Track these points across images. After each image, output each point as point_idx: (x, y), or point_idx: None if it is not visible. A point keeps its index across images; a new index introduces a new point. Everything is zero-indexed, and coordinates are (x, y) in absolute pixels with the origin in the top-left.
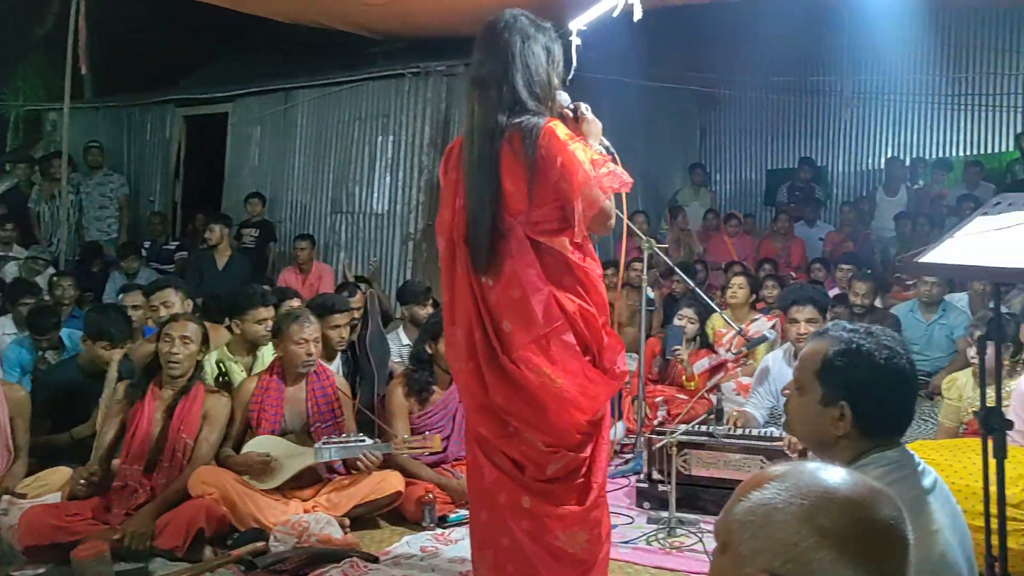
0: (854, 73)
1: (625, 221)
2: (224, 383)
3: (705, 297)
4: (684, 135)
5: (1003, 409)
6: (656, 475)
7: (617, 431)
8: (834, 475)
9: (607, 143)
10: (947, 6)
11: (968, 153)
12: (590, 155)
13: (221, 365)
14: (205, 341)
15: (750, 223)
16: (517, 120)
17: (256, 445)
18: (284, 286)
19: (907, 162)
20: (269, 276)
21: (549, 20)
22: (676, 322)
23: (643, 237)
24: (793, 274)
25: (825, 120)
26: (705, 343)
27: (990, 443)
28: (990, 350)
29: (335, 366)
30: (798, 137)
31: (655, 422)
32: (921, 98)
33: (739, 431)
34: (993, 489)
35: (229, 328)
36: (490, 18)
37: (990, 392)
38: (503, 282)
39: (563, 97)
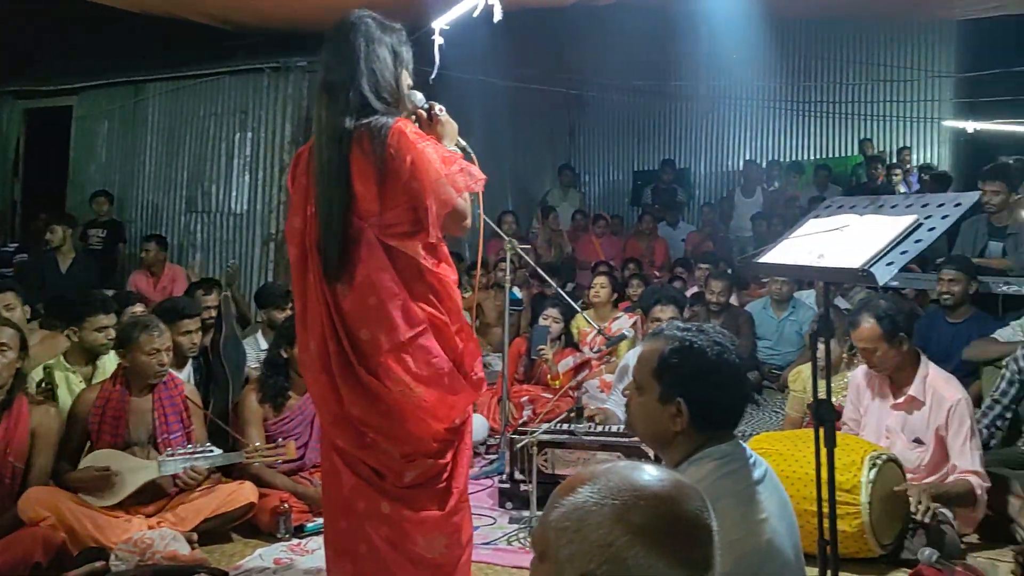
0: (711, 79)
1: (482, 220)
2: (48, 391)
3: (567, 297)
4: (553, 136)
5: (842, 400)
6: (518, 475)
7: (481, 431)
8: (643, 473)
9: (464, 144)
10: (788, 15)
11: (818, 157)
12: (441, 153)
13: (48, 373)
14: (24, 347)
15: (617, 223)
16: (365, 121)
17: (94, 459)
18: (133, 290)
19: (763, 165)
20: (119, 279)
21: (410, 19)
22: (541, 322)
23: (505, 237)
24: (657, 273)
25: (687, 124)
26: (570, 342)
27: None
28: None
29: (186, 373)
30: (662, 140)
31: (520, 422)
32: (775, 104)
33: (599, 428)
34: (825, 475)
35: (68, 336)
36: (338, 19)
37: (833, 385)
38: (357, 289)
39: (417, 97)
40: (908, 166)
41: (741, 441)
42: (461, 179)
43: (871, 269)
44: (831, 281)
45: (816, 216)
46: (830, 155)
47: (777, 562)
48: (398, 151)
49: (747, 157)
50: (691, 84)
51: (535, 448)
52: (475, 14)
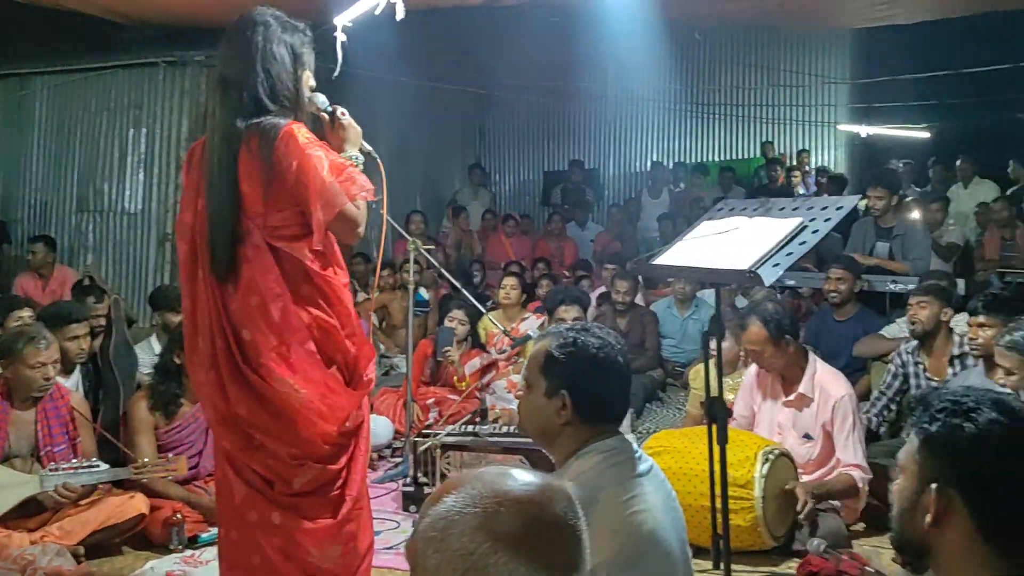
0: (617, 82)
1: (385, 220)
2: None
3: (471, 298)
4: (464, 135)
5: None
6: (422, 478)
7: (385, 434)
8: (509, 479)
9: (369, 148)
10: (685, 20)
11: (722, 159)
12: (332, 160)
13: None
14: None
15: (527, 223)
16: (256, 121)
17: None
18: (20, 293)
19: (670, 167)
20: (3, 282)
21: (312, 15)
22: (446, 324)
23: (408, 238)
24: (567, 273)
25: (596, 125)
26: (477, 343)
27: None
28: (727, 343)
29: (73, 380)
30: (572, 140)
31: (426, 424)
32: (680, 107)
33: (504, 430)
34: (718, 471)
35: None
36: (240, 14)
37: (732, 383)
38: (242, 289)
39: (320, 100)
40: (807, 168)
41: (626, 437)
42: (349, 187)
43: (758, 271)
44: (722, 282)
45: (709, 218)
46: (734, 157)
47: (658, 552)
48: (285, 154)
49: (654, 159)
50: (599, 86)
51: (438, 451)
52: (377, 11)
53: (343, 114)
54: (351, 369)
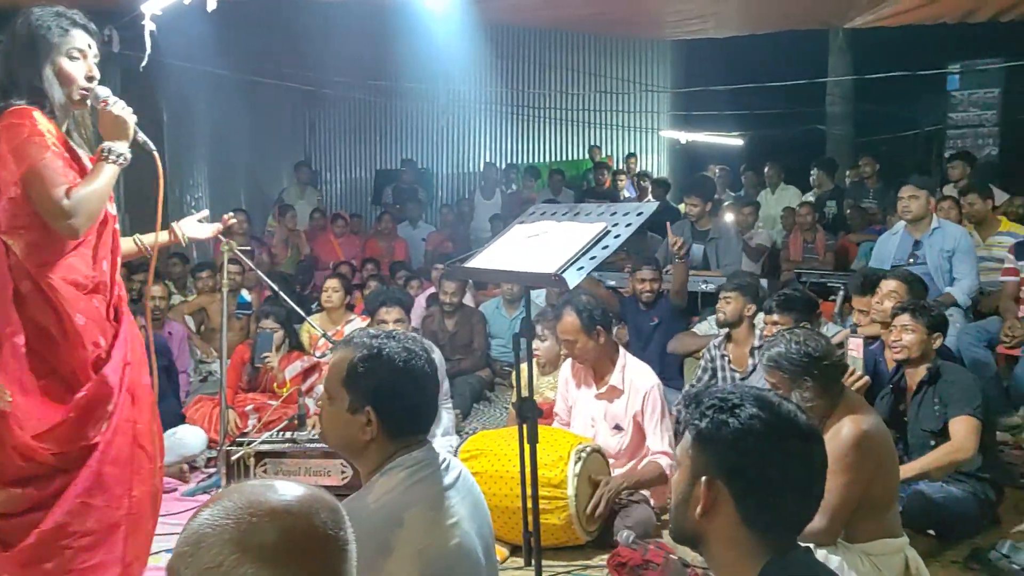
0: (448, 83)
1: (159, 219)
2: None
3: (289, 301)
4: (292, 132)
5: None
6: None
7: (198, 444)
8: (267, 491)
9: (143, 139)
10: (502, 22)
11: (553, 161)
12: (51, 147)
13: None
14: None
15: (357, 223)
16: None
17: None
18: None
19: (502, 168)
20: None
21: (119, 3)
22: (262, 327)
23: (222, 239)
24: (398, 273)
25: (428, 125)
26: (297, 346)
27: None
28: (548, 343)
29: None
30: (404, 139)
31: (243, 432)
32: (512, 110)
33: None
34: (529, 470)
35: None
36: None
37: (554, 380)
38: None
39: (101, 92)
40: (634, 173)
41: (433, 447)
42: (55, 176)
43: (563, 274)
44: (530, 285)
45: (521, 222)
46: (563, 160)
47: (466, 564)
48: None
49: (487, 160)
50: (430, 87)
51: (252, 459)
52: (186, 0)
53: (115, 104)
54: (69, 375)
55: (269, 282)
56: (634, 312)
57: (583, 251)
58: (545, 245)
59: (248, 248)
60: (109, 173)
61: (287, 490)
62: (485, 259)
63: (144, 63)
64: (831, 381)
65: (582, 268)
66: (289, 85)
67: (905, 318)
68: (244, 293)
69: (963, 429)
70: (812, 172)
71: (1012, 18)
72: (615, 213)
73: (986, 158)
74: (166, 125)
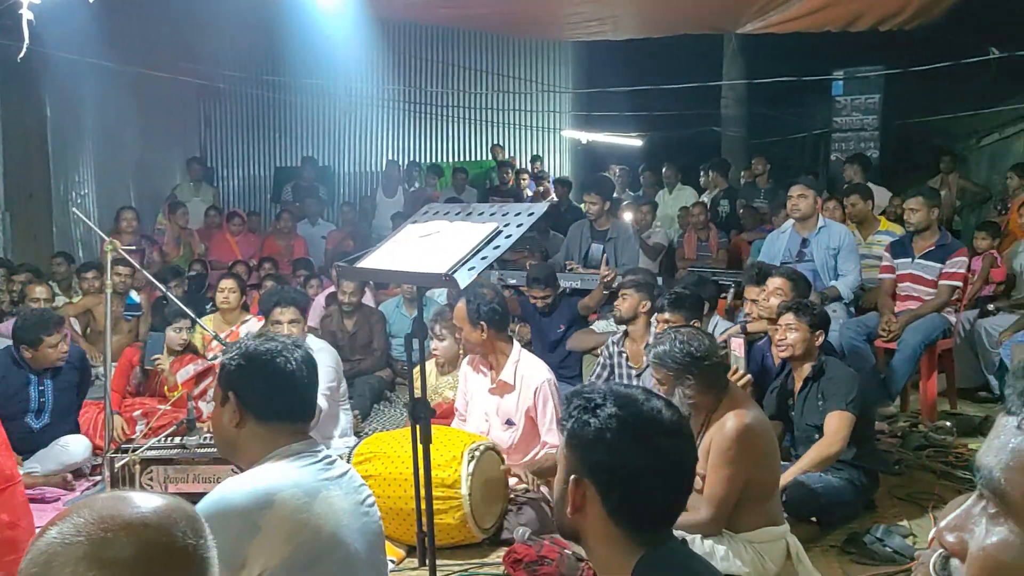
0: (349, 80)
1: (75, 216)
2: None
3: (178, 303)
4: (185, 127)
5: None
6: None
7: (81, 452)
8: (121, 503)
9: None
10: (394, 18)
11: (456, 160)
12: None
13: None
14: None
15: (255, 221)
16: None
17: None
18: None
19: (404, 166)
20: None
21: None
22: (170, 332)
23: (105, 238)
24: (296, 273)
25: (329, 122)
26: (190, 348)
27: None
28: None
29: None
30: (305, 137)
31: (131, 438)
32: (415, 108)
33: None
34: (422, 471)
35: None
36: None
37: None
38: None
39: None
40: (539, 173)
41: (316, 441)
42: None
43: (454, 275)
44: (422, 285)
45: (414, 222)
46: (467, 159)
47: (338, 554)
48: None
49: (389, 158)
50: (330, 83)
51: (138, 466)
52: None
53: None
54: None
55: (157, 283)
56: (540, 318)
57: (474, 251)
58: (437, 245)
59: (134, 247)
60: None
61: (142, 502)
62: (377, 259)
63: (22, 54)
64: (713, 378)
65: (473, 268)
66: (182, 79)
67: (789, 317)
68: (133, 294)
69: (834, 424)
70: (706, 172)
71: (890, 28)
72: (507, 213)
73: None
74: (50, 120)
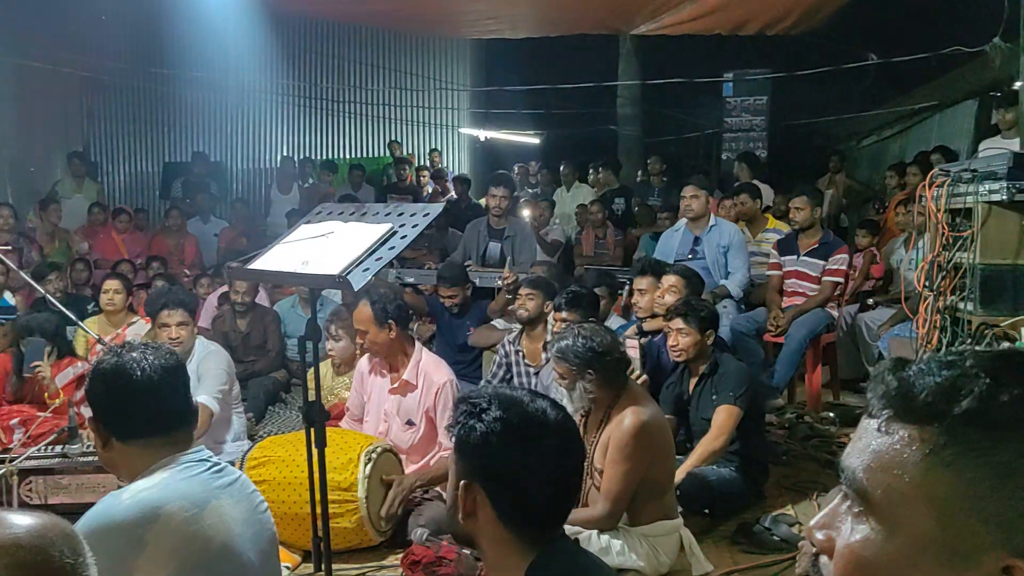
0: (239, 74)
1: None
2: None
3: (57, 304)
4: (66, 121)
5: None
6: None
7: None
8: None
9: None
10: (301, 15)
11: (352, 156)
12: None
13: None
14: None
15: (142, 218)
16: None
17: None
18: None
19: (298, 162)
20: None
21: None
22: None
23: None
24: (187, 272)
25: (221, 117)
26: (68, 352)
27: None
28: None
29: None
30: (195, 131)
31: (9, 447)
32: (310, 103)
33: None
34: (317, 475)
35: None
36: None
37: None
38: None
39: None
40: (438, 168)
41: (203, 450)
42: None
43: (348, 276)
44: (315, 287)
45: (307, 222)
46: (363, 155)
47: (232, 564)
48: None
49: (283, 153)
50: (219, 76)
51: (15, 477)
52: None
53: None
54: None
55: (37, 286)
56: (447, 318)
57: (369, 252)
58: (331, 246)
59: (9, 247)
60: None
61: (15, 521)
62: (269, 260)
63: None
64: (614, 374)
65: (367, 269)
66: (63, 70)
67: (678, 322)
68: (7, 296)
69: (721, 417)
70: (596, 171)
71: (776, 32)
72: (402, 214)
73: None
74: None
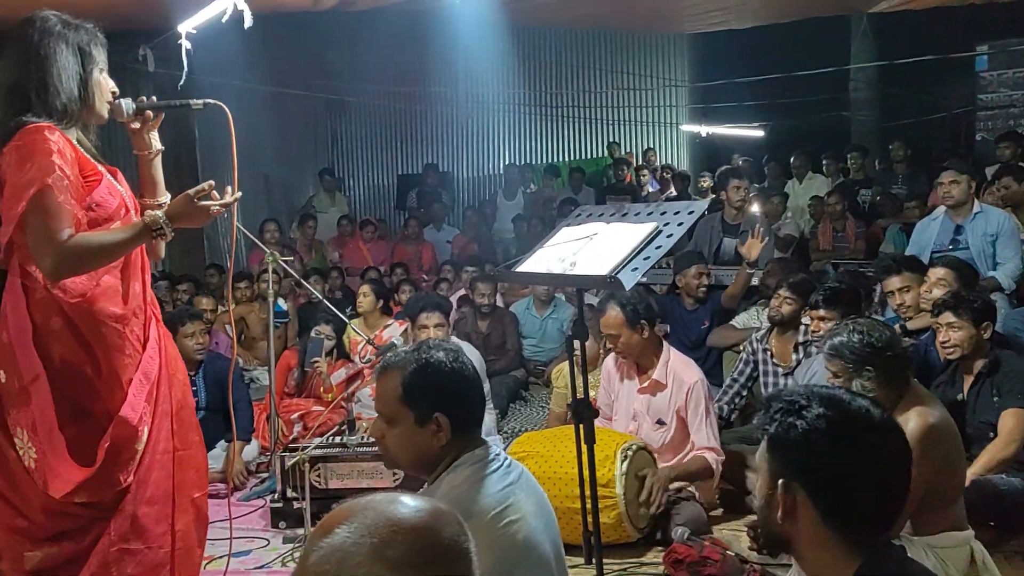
0: (469, 85)
1: (235, 229)
2: None
3: (332, 307)
4: (315, 141)
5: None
6: (291, 493)
7: (250, 451)
8: (400, 506)
9: (204, 102)
10: (531, 23)
11: (571, 159)
12: (66, 175)
13: None
14: None
15: (384, 228)
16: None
17: None
18: None
19: (521, 168)
20: None
21: (154, 22)
22: (314, 334)
23: (265, 249)
24: (425, 277)
25: (449, 128)
26: (342, 353)
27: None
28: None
29: None
30: (425, 144)
31: (291, 438)
32: (530, 110)
33: (372, 439)
34: (587, 472)
35: None
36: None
37: (592, 379)
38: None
39: (126, 105)
40: (654, 167)
41: (491, 445)
42: (60, 211)
43: (618, 276)
44: (583, 288)
45: (568, 225)
46: (582, 157)
47: (532, 557)
48: (8, 162)
49: (507, 161)
50: (450, 90)
51: (307, 464)
52: (224, 19)
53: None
54: (101, 417)
55: (314, 290)
56: (681, 313)
57: (636, 251)
58: (595, 247)
59: (290, 258)
60: (135, 239)
61: (415, 504)
62: (534, 263)
63: (183, 81)
64: (895, 372)
65: (636, 269)
66: (311, 95)
67: (948, 316)
68: (280, 302)
69: (1010, 423)
70: (834, 160)
71: None
72: (665, 212)
73: None
74: (199, 142)
